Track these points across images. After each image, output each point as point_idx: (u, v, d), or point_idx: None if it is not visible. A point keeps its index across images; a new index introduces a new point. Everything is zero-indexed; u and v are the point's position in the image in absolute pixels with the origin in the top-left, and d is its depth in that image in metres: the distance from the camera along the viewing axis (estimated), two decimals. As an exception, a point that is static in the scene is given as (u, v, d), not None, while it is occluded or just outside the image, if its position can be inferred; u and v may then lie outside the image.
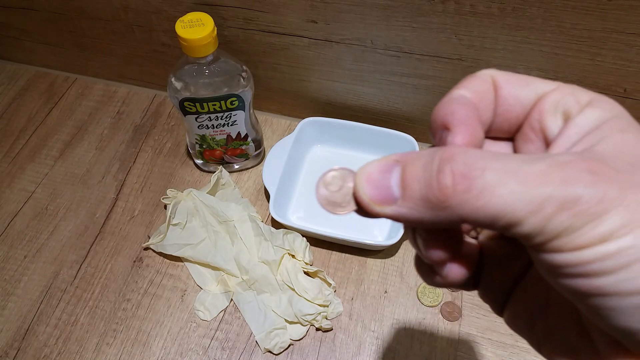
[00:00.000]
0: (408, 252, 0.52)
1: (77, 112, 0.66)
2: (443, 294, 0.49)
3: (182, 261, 0.52)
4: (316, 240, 0.52)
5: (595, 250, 0.14)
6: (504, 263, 0.20)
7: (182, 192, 0.54)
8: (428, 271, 0.20)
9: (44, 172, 0.60)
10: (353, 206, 0.17)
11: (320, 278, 0.49)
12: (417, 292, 0.49)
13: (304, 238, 0.50)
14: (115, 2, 0.57)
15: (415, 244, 0.19)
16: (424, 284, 0.50)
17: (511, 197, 0.14)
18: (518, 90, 0.19)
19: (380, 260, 0.52)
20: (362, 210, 0.17)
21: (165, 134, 0.63)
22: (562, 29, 0.44)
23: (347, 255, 0.52)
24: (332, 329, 0.47)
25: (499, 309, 0.21)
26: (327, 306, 0.48)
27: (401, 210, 0.16)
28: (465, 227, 0.21)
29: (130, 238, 0.54)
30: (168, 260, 0.52)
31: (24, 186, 0.59)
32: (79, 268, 0.52)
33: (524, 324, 0.20)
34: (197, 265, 0.51)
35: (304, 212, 0.55)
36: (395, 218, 0.17)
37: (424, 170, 0.16)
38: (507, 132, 0.20)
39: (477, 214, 0.15)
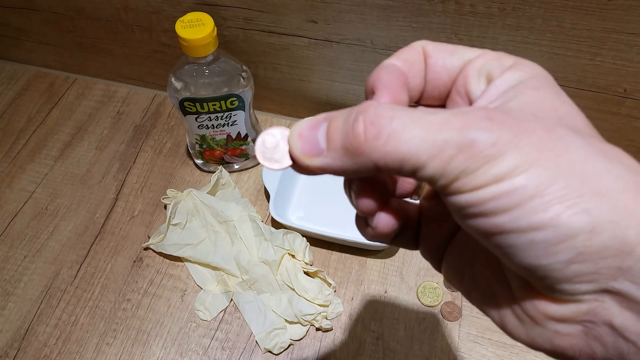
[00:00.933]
0: (408, 252, 0.52)
1: (77, 112, 0.66)
2: (443, 294, 0.49)
3: (182, 261, 0.52)
4: (316, 240, 0.52)
5: (491, 189, 0.15)
6: (438, 221, 0.22)
7: (182, 192, 0.54)
8: (362, 224, 0.21)
9: (44, 172, 0.60)
10: (288, 162, 0.19)
11: (320, 278, 0.49)
12: (417, 292, 0.49)
13: (304, 238, 0.50)
14: (115, 2, 0.57)
15: (349, 196, 0.21)
16: (424, 283, 0.50)
17: (414, 142, 0.16)
18: (446, 58, 0.20)
19: (380, 260, 0.52)
20: (296, 164, 0.19)
21: (165, 134, 0.63)
22: (562, 29, 0.44)
23: (347, 255, 0.52)
24: (332, 329, 0.47)
25: (437, 265, 0.23)
26: (327, 306, 0.48)
27: (326, 160, 0.18)
28: (405, 186, 0.22)
29: (130, 238, 0.54)
30: (168, 260, 0.52)
31: (24, 186, 0.59)
32: (79, 268, 0.52)
33: (455, 276, 0.21)
34: (197, 265, 0.51)
35: (304, 212, 0.55)
36: (322, 169, 0.18)
37: (344, 122, 0.17)
38: (438, 99, 0.21)
39: (385, 158, 0.16)
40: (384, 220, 0.20)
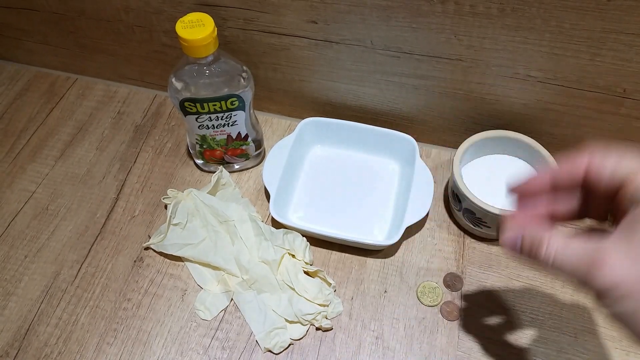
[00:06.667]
0: (408, 252, 0.52)
1: (78, 112, 0.66)
2: (443, 294, 0.49)
3: (182, 261, 0.52)
4: (316, 240, 0.52)
5: None
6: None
7: (183, 192, 0.54)
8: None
9: (45, 172, 0.60)
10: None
11: (320, 278, 0.49)
12: (416, 291, 0.50)
13: (304, 238, 0.50)
14: (115, 3, 0.57)
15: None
16: (424, 283, 0.50)
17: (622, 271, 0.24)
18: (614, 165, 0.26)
19: (380, 260, 0.52)
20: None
21: (165, 134, 0.63)
22: (561, 29, 0.44)
23: (347, 255, 0.52)
24: (332, 329, 0.47)
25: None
26: (327, 306, 0.48)
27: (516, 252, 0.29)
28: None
29: (130, 238, 0.54)
30: (168, 260, 0.52)
31: (25, 186, 0.59)
32: (80, 268, 0.52)
33: None
34: (197, 265, 0.51)
35: (304, 212, 0.55)
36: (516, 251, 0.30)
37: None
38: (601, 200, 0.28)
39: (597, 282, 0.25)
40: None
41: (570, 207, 0.29)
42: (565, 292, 0.48)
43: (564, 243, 0.27)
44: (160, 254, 0.52)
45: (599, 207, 0.28)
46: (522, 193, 0.30)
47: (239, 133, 0.54)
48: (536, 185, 0.29)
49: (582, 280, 0.25)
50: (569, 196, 0.29)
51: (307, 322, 0.47)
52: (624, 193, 0.25)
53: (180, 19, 0.45)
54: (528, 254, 0.28)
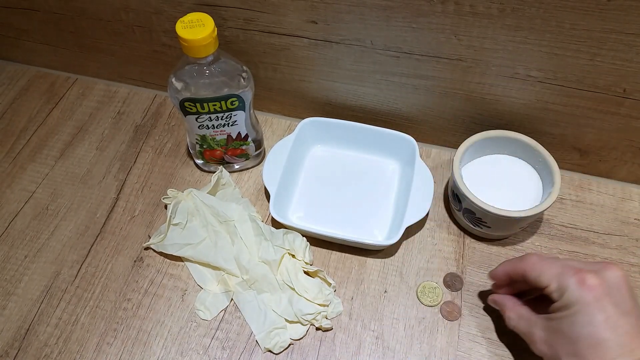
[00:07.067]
0: (407, 252, 0.52)
1: (78, 112, 0.66)
2: (443, 294, 0.49)
3: (182, 261, 0.52)
4: (316, 240, 0.52)
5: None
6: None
7: (183, 192, 0.54)
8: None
9: (45, 172, 0.60)
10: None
11: (320, 278, 0.49)
12: (416, 291, 0.50)
13: (304, 238, 0.50)
14: (115, 3, 0.57)
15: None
16: (424, 283, 0.50)
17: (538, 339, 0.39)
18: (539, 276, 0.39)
19: (380, 259, 0.52)
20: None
21: (165, 134, 0.63)
22: (561, 29, 0.44)
23: (347, 255, 0.52)
24: (332, 329, 0.47)
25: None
26: (327, 306, 0.48)
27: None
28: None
29: (130, 238, 0.54)
30: (168, 260, 0.52)
31: (25, 186, 0.59)
32: (80, 268, 0.52)
33: None
34: (197, 265, 0.51)
35: (304, 212, 0.55)
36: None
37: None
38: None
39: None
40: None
41: (525, 289, 0.43)
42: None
43: (516, 315, 0.41)
44: (160, 254, 0.52)
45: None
46: (494, 280, 0.45)
47: (239, 133, 0.54)
48: (499, 277, 0.44)
49: (528, 344, 0.40)
50: (522, 283, 0.42)
51: (307, 322, 0.47)
52: (545, 292, 0.38)
53: (180, 19, 0.45)
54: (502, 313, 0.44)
